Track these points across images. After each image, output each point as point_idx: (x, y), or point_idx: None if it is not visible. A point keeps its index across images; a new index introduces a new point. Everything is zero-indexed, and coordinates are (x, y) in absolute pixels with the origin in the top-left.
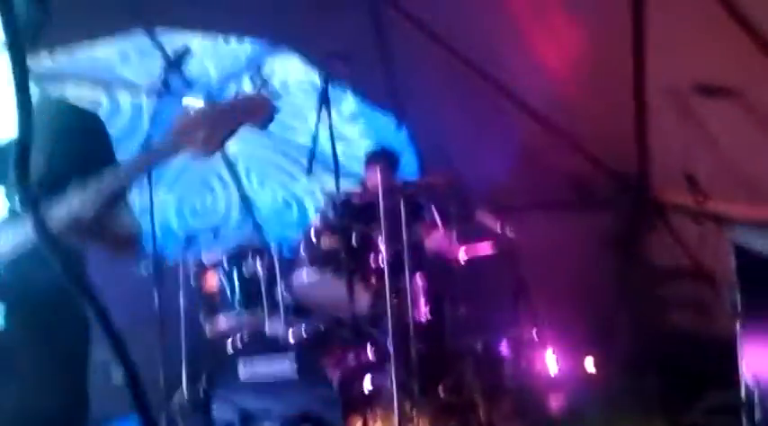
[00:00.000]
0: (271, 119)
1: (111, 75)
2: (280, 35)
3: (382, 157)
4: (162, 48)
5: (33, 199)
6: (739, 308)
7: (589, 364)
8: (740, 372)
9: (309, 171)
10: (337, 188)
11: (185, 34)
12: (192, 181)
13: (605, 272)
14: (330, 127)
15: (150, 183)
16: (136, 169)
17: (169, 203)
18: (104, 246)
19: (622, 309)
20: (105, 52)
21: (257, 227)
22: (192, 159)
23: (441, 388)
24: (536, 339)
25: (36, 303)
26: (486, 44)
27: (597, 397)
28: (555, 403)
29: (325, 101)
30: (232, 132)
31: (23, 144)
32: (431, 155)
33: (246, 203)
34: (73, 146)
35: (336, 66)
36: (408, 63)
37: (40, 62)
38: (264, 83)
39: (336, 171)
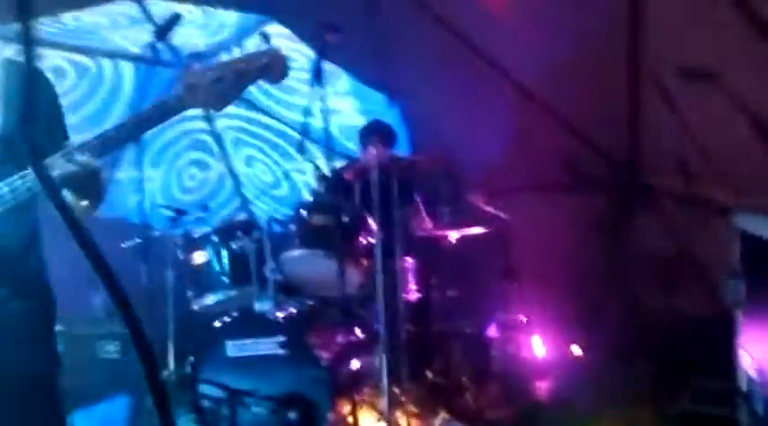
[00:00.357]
0: (285, 75)
1: (99, 41)
2: (269, 7)
3: (378, 131)
4: (150, 16)
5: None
6: (741, 296)
7: (577, 349)
8: (737, 360)
9: (302, 148)
10: (329, 164)
11: (174, 3)
12: (179, 155)
13: (595, 256)
14: (323, 100)
15: (141, 155)
16: (144, 121)
17: (155, 178)
18: (89, 202)
19: (612, 294)
20: (93, 19)
21: (245, 203)
22: (203, 111)
23: (429, 371)
24: (525, 323)
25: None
26: (481, 21)
27: (585, 383)
28: (542, 388)
29: (317, 75)
30: (246, 86)
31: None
32: (423, 135)
33: (235, 179)
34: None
35: (328, 38)
36: (401, 40)
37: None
38: (267, 40)
39: (329, 147)
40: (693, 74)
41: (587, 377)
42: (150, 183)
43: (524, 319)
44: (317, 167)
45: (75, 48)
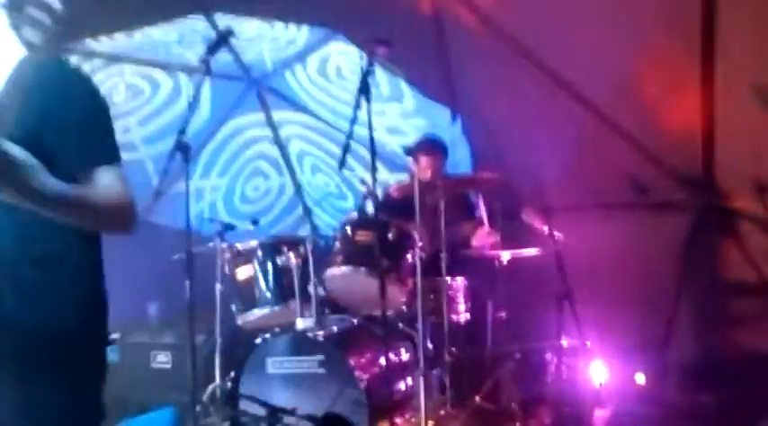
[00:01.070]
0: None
1: (168, 56)
2: (336, 22)
3: (428, 147)
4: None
5: None
6: None
7: (641, 378)
8: None
9: (342, 163)
10: (374, 179)
11: (244, 19)
12: (243, 166)
13: (664, 280)
14: (369, 115)
15: (187, 168)
16: None
17: (220, 188)
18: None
19: (681, 321)
20: (163, 35)
21: (308, 214)
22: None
23: (477, 395)
24: (582, 348)
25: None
26: (546, 36)
27: (647, 414)
28: (600, 417)
29: (364, 89)
30: None
31: None
32: (485, 150)
33: (298, 190)
34: (45, 104)
35: (378, 52)
36: (464, 54)
37: (99, 44)
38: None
39: (373, 161)
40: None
41: (649, 407)
42: (215, 193)
43: (583, 344)
44: (364, 183)
45: (142, 62)
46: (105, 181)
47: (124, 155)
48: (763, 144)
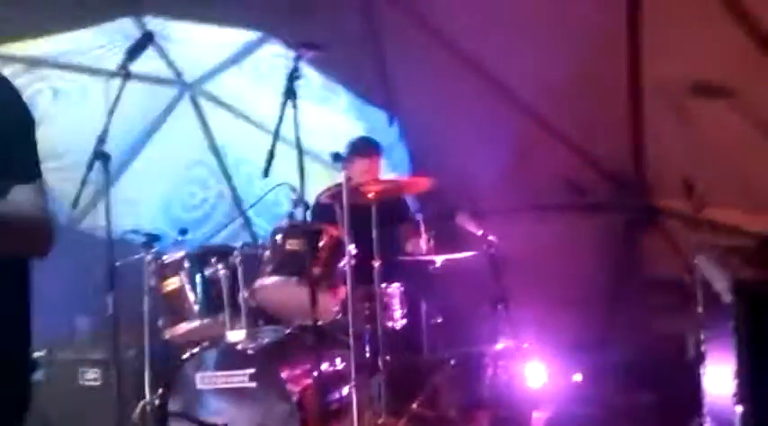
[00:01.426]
0: None
1: (97, 60)
2: (270, 25)
3: (364, 148)
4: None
5: None
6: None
7: (579, 378)
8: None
9: (267, 172)
10: (302, 185)
11: (177, 22)
12: (179, 174)
13: (599, 280)
14: (295, 119)
15: (107, 177)
16: None
17: (154, 198)
18: None
19: (616, 319)
20: (90, 38)
21: (247, 222)
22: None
23: (414, 402)
24: (519, 350)
25: None
26: (482, 40)
27: (586, 415)
28: (538, 419)
29: (290, 93)
30: None
31: None
32: (422, 152)
33: (236, 197)
34: None
35: (306, 55)
36: (400, 56)
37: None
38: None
39: (301, 166)
40: (706, 89)
41: (588, 407)
42: (150, 202)
43: (519, 346)
44: (293, 189)
45: (68, 67)
46: (20, 199)
47: (51, 164)
48: (690, 144)
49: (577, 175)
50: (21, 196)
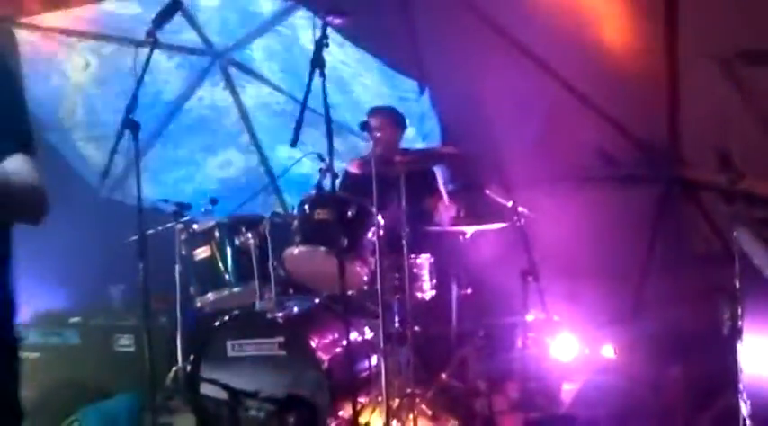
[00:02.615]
0: None
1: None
2: None
3: (375, 111)
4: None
5: None
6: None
7: (609, 351)
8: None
9: (295, 141)
10: (331, 155)
11: None
12: (209, 143)
13: (631, 253)
14: (324, 88)
15: (136, 146)
16: None
17: (185, 167)
18: None
19: (648, 292)
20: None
21: (276, 191)
22: None
23: (443, 372)
24: (548, 322)
25: None
26: (515, 10)
27: (615, 387)
28: (567, 391)
29: (318, 61)
30: None
31: None
32: (453, 123)
33: (266, 166)
34: None
35: (333, 22)
36: (432, 25)
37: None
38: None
39: (330, 136)
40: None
41: (617, 379)
42: (181, 171)
43: (549, 318)
44: (321, 159)
45: (99, 37)
46: (13, 166)
47: (83, 133)
48: (726, 115)
49: (611, 147)
50: (14, 164)
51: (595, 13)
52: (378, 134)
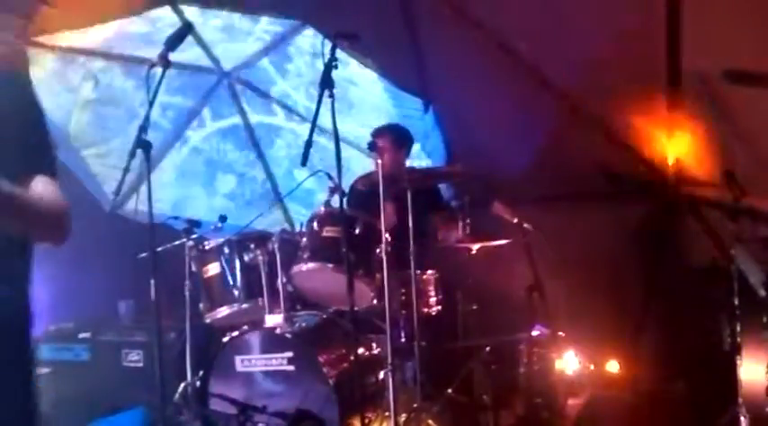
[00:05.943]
0: None
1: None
2: (305, 14)
3: (388, 135)
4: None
5: None
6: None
7: (614, 366)
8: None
9: (305, 161)
10: (339, 173)
11: (214, 12)
12: (217, 160)
13: (635, 268)
14: (332, 108)
15: (148, 165)
16: None
17: (193, 184)
18: None
19: (652, 308)
20: (131, 27)
21: (283, 209)
22: None
23: (449, 388)
24: (553, 338)
25: None
26: (518, 26)
27: (620, 402)
28: (573, 406)
29: (327, 82)
30: None
31: None
32: (457, 140)
33: (273, 184)
34: None
35: (342, 45)
36: (436, 43)
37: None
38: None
39: (338, 154)
40: (741, 77)
41: (622, 396)
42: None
43: (554, 334)
44: (329, 177)
45: (110, 57)
46: (40, 188)
47: (93, 151)
48: (729, 132)
49: (613, 163)
50: (41, 186)
51: (598, 31)
52: (384, 153)
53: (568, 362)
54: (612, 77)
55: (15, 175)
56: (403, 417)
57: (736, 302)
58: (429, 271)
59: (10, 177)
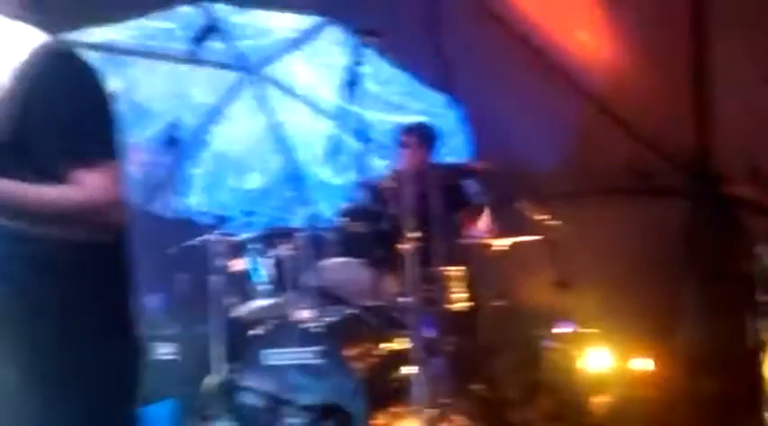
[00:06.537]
0: None
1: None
2: (329, 10)
3: (414, 133)
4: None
5: None
6: None
7: (644, 363)
8: None
9: (332, 154)
10: (367, 169)
11: (240, 8)
12: (243, 156)
13: (666, 265)
14: (358, 104)
15: (178, 160)
16: None
17: (219, 180)
18: None
19: (680, 305)
20: (159, 25)
21: (308, 203)
22: None
23: (475, 384)
24: (582, 335)
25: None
26: (545, 23)
27: (651, 400)
28: (601, 404)
29: (353, 80)
30: None
31: None
32: (483, 137)
33: (298, 180)
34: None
35: (367, 42)
36: (461, 40)
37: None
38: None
39: (365, 150)
40: None
41: (652, 394)
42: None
43: (582, 330)
44: (357, 172)
45: (137, 53)
46: (80, 182)
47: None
48: (759, 128)
49: (641, 160)
50: (82, 179)
51: (624, 27)
52: (410, 150)
53: (597, 359)
54: (639, 74)
55: (57, 167)
56: (430, 412)
57: (763, 299)
58: (456, 267)
59: (52, 169)
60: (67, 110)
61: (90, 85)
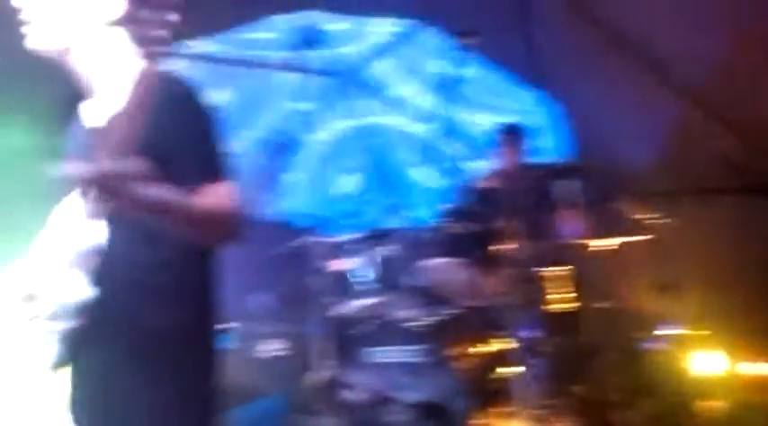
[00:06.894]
0: None
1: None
2: (425, 14)
3: (511, 133)
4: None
5: None
6: None
7: (760, 368)
8: None
9: (428, 155)
10: (466, 170)
11: (339, 15)
12: (337, 160)
13: (764, 264)
14: (455, 105)
15: (283, 165)
16: None
17: (315, 184)
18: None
19: None
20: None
21: (405, 206)
22: None
23: (577, 385)
24: (689, 336)
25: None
26: (639, 21)
27: (762, 405)
28: (710, 409)
29: (447, 84)
30: None
31: None
32: (579, 135)
33: (394, 182)
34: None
35: (466, 42)
36: (554, 37)
37: (198, 47)
38: None
39: (463, 152)
40: None
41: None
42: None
43: (689, 332)
44: (456, 174)
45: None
46: (208, 195)
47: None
48: None
49: (739, 157)
50: (210, 193)
51: (724, 25)
52: (507, 149)
53: (705, 362)
54: (738, 72)
55: (187, 185)
56: (530, 413)
57: None
58: (558, 268)
59: (180, 183)
60: (191, 134)
61: (203, 108)
